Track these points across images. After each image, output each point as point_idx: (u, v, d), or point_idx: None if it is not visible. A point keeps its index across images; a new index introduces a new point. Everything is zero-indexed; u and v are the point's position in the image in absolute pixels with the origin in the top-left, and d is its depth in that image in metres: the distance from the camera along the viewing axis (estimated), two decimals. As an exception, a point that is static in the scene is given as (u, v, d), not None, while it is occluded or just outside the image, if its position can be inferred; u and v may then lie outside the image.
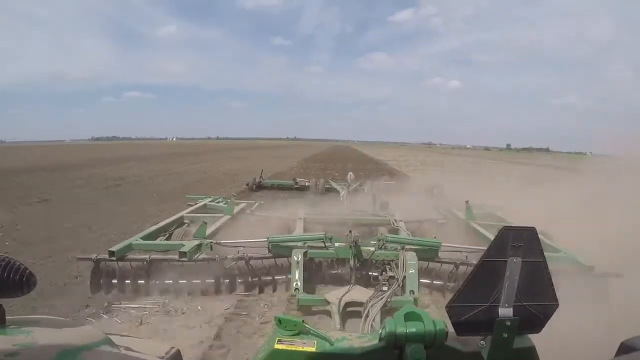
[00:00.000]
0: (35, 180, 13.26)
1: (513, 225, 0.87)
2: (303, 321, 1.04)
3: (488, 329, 0.89)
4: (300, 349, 0.98)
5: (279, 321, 1.04)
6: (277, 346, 0.99)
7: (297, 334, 1.02)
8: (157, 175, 15.85)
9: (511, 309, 0.87)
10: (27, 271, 0.61)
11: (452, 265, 3.68)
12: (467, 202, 5.39)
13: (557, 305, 0.91)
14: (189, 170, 18.40)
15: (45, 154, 31.71)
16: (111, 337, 0.72)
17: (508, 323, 0.87)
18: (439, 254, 3.78)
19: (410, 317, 0.99)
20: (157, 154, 33.43)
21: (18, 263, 0.61)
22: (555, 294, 0.91)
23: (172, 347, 0.91)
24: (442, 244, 3.77)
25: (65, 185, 12.13)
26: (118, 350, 0.70)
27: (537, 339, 0.98)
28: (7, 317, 0.61)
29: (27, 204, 8.66)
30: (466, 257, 3.70)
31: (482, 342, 0.93)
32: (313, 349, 0.98)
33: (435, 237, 3.96)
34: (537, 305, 0.90)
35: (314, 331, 1.03)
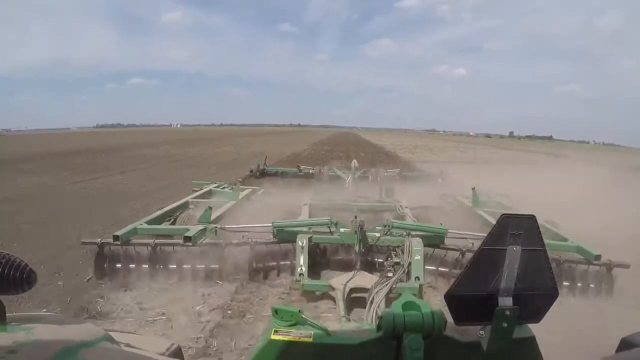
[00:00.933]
0: (98, 159, 15.98)
1: (512, 212, 0.85)
2: (300, 311, 1.03)
3: (487, 318, 0.87)
4: (297, 339, 0.98)
5: (276, 311, 1.04)
6: (274, 337, 0.99)
7: (294, 324, 1.02)
8: (196, 155, 18.41)
9: (511, 298, 0.86)
10: (28, 268, 0.62)
11: (459, 252, 3.66)
12: (473, 189, 5.35)
13: (557, 295, 0.90)
14: (219, 152, 21.16)
15: (69, 141, 33.55)
16: (111, 333, 0.72)
17: (507, 312, 0.85)
18: (445, 241, 3.76)
19: (408, 306, 1.00)
20: (174, 140, 35.27)
21: (18, 260, 0.61)
22: (555, 283, 0.90)
23: (173, 344, 0.91)
24: (449, 231, 3.74)
25: (131, 161, 14.90)
26: (118, 347, 0.70)
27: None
28: (7, 314, 0.62)
29: (120, 174, 11.42)
30: (472, 244, 3.67)
31: (481, 331, 0.92)
32: (310, 340, 0.98)
33: (441, 224, 3.93)
34: (537, 294, 0.89)
35: (311, 321, 1.02)
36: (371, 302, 2.92)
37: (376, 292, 3.03)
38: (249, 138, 41.14)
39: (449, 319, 0.91)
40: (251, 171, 10.56)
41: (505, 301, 0.86)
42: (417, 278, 3.27)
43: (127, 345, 0.76)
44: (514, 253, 0.84)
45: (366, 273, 3.48)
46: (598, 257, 3.52)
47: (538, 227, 0.85)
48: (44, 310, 3.08)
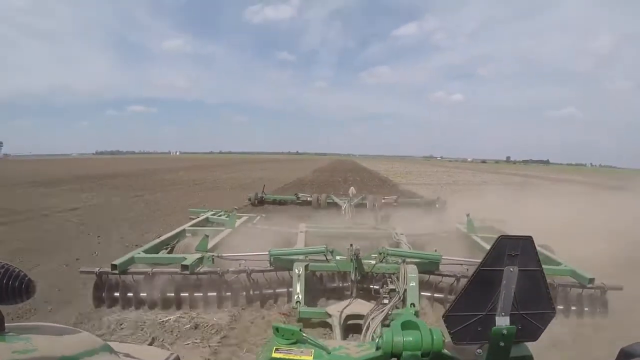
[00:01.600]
0: (130, 182, 18.73)
1: (509, 234, 0.88)
2: (300, 330, 1.04)
3: (485, 337, 0.89)
4: (297, 357, 0.98)
5: (277, 329, 1.05)
6: (275, 355, 0.99)
7: (295, 343, 1.02)
8: (213, 180, 21.15)
9: (508, 317, 0.88)
10: (27, 278, 0.62)
11: (453, 278, 3.68)
12: (468, 215, 5.41)
13: (554, 314, 0.92)
14: (230, 177, 23.74)
15: (85, 166, 38.12)
16: (110, 343, 0.71)
17: (505, 332, 0.87)
18: (440, 267, 3.79)
19: (407, 326, 1.00)
20: (185, 167, 38.44)
21: (17, 270, 0.62)
22: (552, 302, 0.91)
23: (172, 354, 0.91)
24: (443, 257, 3.77)
25: (161, 184, 17.79)
26: (117, 357, 0.70)
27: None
28: (6, 324, 0.61)
29: (161, 192, 14.31)
30: (467, 269, 3.71)
31: (479, 350, 0.93)
32: (310, 358, 0.98)
33: (436, 250, 3.98)
34: (534, 313, 0.90)
35: (311, 340, 1.03)
36: (367, 329, 2.92)
37: (372, 319, 3.02)
38: (252, 165, 44.68)
39: (447, 338, 0.93)
40: (249, 199, 10.58)
41: (503, 321, 0.88)
42: (413, 304, 3.27)
43: (127, 355, 0.76)
44: (511, 274, 0.86)
45: (362, 300, 3.49)
46: (592, 280, 3.55)
47: (535, 248, 0.88)
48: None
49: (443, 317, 0.88)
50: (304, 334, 1.03)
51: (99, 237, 6.59)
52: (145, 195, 13.17)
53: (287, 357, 0.98)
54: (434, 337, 0.93)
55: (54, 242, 6.22)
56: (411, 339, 0.92)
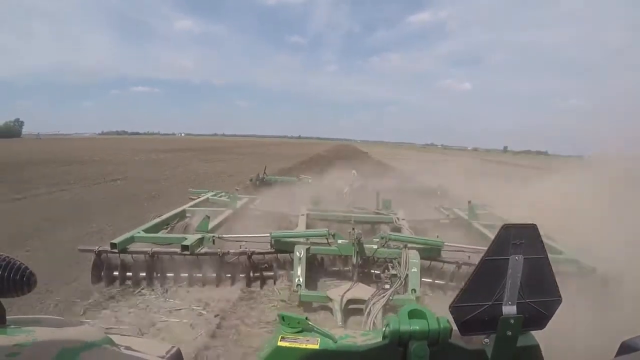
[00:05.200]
0: (207, 154, 26.11)
1: (513, 223, 0.86)
2: (307, 318, 1.04)
3: (492, 327, 0.89)
4: (303, 346, 0.98)
5: (282, 318, 1.04)
6: (281, 343, 0.99)
7: (301, 331, 1.02)
8: (275, 152, 28.04)
9: (515, 306, 0.87)
10: (28, 271, 0.63)
11: (455, 265, 3.67)
12: (469, 202, 5.38)
13: (560, 301, 0.92)
14: (285, 151, 31.16)
15: (135, 144, 45.00)
16: (111, 336, 0.72)
17: (512, 321, 0.87)
18: (442, 254, 3.77)
19: (414, 314, 0.99)
20: (226, 147, 44.10)
21: (19, 263, 0.63)
22: (558, 290, 0.91)
23: (173, 347, 0.91)
24: (445, 244, 3.75)
25: (229, 154, 25.24)
26: (118, 350, 0.71)
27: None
28: (7, 317, 0.62)
29: (238, 156, 23.42)
30: (469, 257, 3.68)
31: (486, 339, 0.93)
32: (316, 346, 0.98)
33: (437, 237, 3.95)
34: (541, 301, 0.90)
35: (317, 328, 1.03)
36: (368, 314, 2.92)
37: (373, 304, 3.03)
38: (280, 146, 54.44)
39: (454, 326, 0.92)
40: (251, 180, 10.60)
41: (510, 310, 0.87)
42: (414, 290, 3.27)
43: (127, 348, 0.77)
44: (516, 262, 0.85)
45: (363, 285, 3.48)
46: (594, 269, 3.55)
47: (539, 236, 0.86)
48: None
49: (449, 308, 0.88)
50: (310, 322, 1.03)
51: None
52: (227, 159, 20.75)
53: (293, 345, 0.98)
54: (441, 326, 0.93)
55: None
56: (418, 327, 0.93)
